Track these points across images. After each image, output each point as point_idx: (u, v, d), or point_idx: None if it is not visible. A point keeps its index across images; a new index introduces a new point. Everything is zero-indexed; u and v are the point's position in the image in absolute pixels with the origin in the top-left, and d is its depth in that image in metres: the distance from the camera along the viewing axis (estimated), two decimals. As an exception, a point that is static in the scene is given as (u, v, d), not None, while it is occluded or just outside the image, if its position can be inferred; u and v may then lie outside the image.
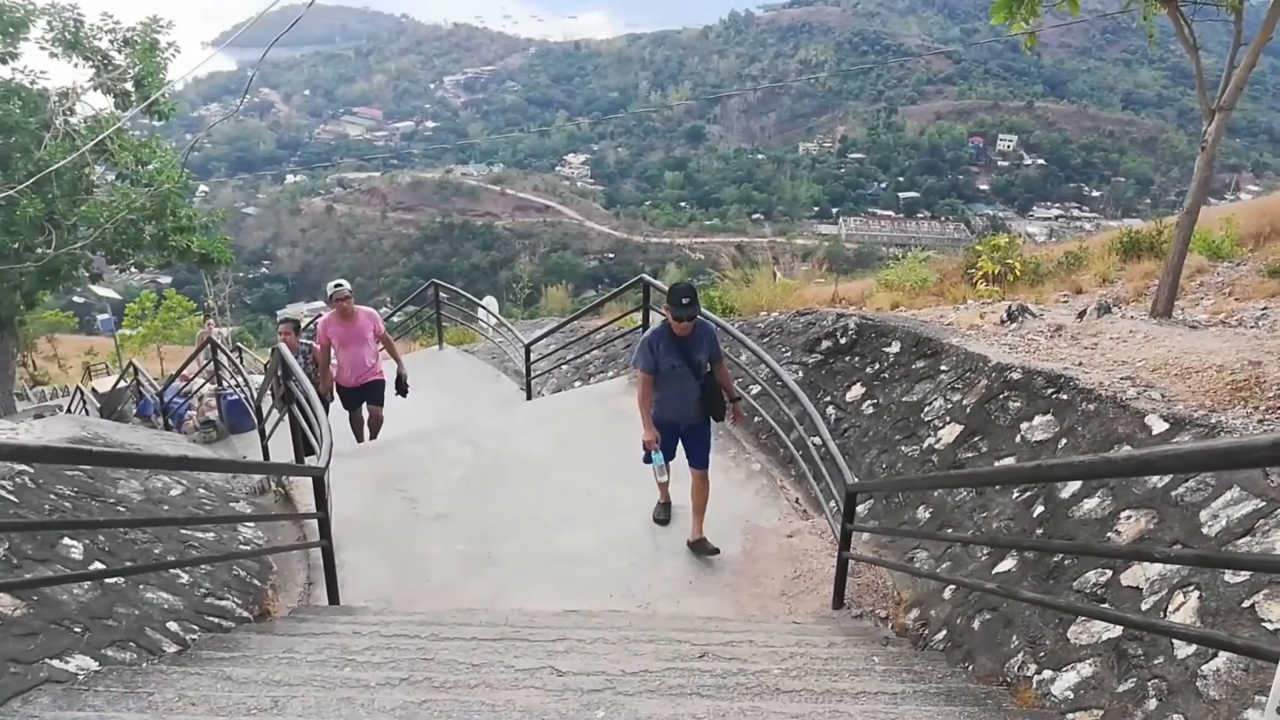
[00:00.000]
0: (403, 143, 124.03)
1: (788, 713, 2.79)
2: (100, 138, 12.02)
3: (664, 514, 6.06)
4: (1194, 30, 6.37)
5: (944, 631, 4.27)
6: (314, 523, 5.02)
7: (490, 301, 16.04)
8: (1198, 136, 6.45)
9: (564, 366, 11.30)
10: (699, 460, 5.61)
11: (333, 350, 7.84)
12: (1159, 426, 4.23)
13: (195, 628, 4.06)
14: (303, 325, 9.08)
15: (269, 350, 11.76)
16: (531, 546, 5.75)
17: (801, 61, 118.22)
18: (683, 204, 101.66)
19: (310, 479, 4.77)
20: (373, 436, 8.20)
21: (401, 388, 8.04)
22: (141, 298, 31.14)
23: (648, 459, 5.57)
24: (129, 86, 12.91)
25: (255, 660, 3.33)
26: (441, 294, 13.14)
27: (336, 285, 7.72)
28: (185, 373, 12.46)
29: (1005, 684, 3.48)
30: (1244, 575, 2.94)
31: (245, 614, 4.55)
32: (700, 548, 5.64)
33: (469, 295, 14.92)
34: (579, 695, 2.94)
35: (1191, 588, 3.12)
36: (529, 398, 10.07)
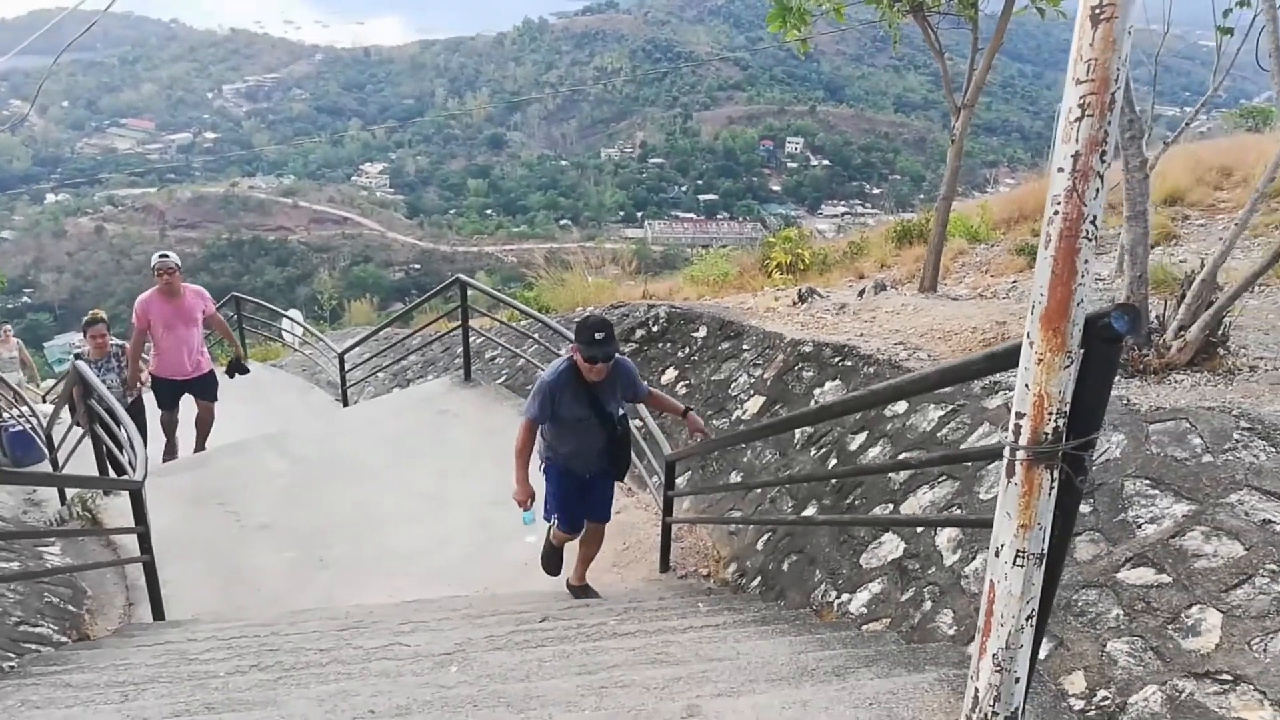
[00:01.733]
0: (180, 155, 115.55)
1: (624, 648, 3.08)
2: None
3: (553, 561, 5.06)
4: (939, 37, 7.23)
5: (759, 578, 4.73)
6: (130, 541, 4.85)
7: (295, 314, 15.50)
8: (963, 136, 7.32)
9: (380, 374, 11.16)
10: (599, 514, 4.86)
11: (151, 335, 6.97)
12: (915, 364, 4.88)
13: (11, 655, 3.86)
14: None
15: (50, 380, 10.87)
16: (363, 547, 5.77)
17: (598, 68, 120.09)
18: (489, 211, 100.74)
19: (127, 493, 4.61)
20: (200, 441, 7.59)
21: (239, 368, 7.68)
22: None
23: (563, 522, 4.76)
24: None
25: (91, 669, 3.26)
26: (243, 309, 12.62)
27: (162, 255, 6.98)
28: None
29: (812, 611, 3.95)
30: (991, 485, 3.52)
31: (64, 639, 4.35)
32: (583, 593, 4.93)
33: (273, 308, 14.37)
34: (431, 659, 3.11)
35: (955, 509, 3.69)
36: (345, 405, 9.90)
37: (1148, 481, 3.02)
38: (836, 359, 5.68)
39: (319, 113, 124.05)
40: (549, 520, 4.75)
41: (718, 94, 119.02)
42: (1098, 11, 1.53)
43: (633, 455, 5.45)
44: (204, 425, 7.54)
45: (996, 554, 1.84)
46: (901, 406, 4.66)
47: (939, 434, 4.24)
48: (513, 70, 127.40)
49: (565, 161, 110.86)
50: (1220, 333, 3.92)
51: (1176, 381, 3.80)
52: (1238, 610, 2.41)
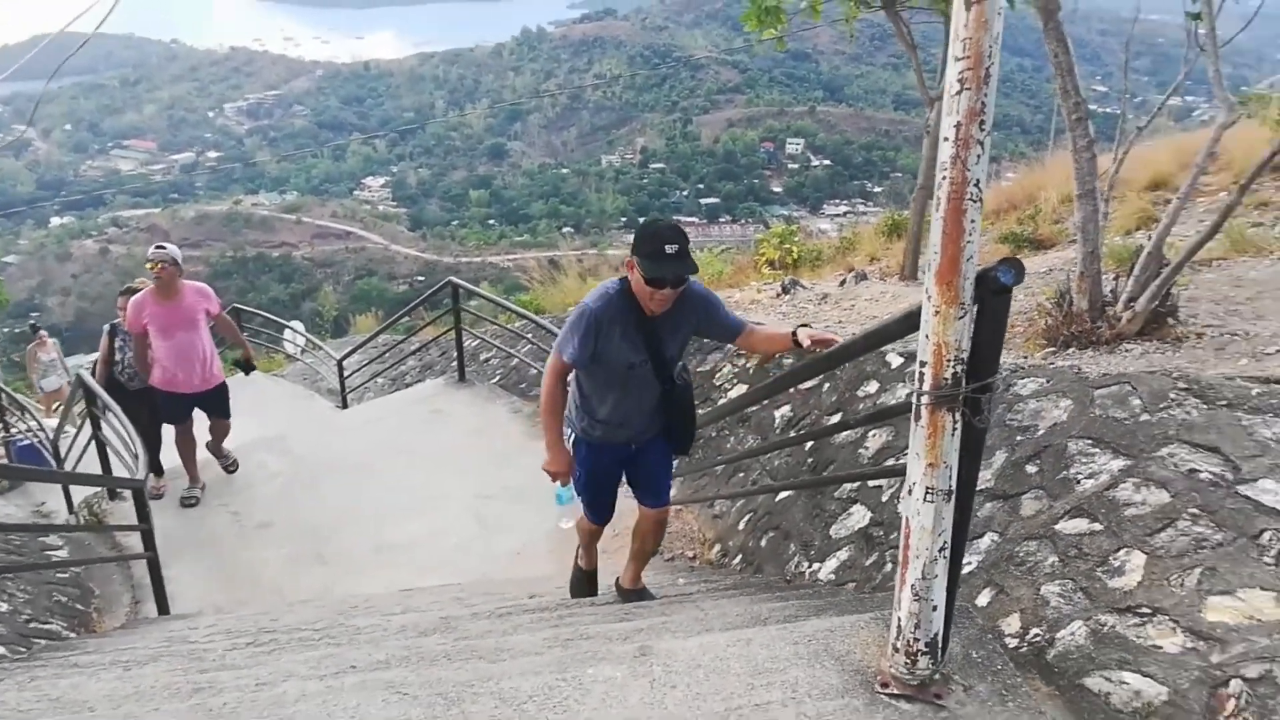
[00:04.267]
0: (183, 175, 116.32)
1: (599, 615, 3.26)
2: None
3: (584, 588, 4.13)
4: (911, 31, 7.42)
5: (739, 556, 4.90)
6: (136, 541, 5.05)
7: (297, 324, 15.74)
8: (939, 127, 7.52)
9: (378, 379, 11.37)
10: (654, 492, 3.71)
11: (151, 337, 5.97)
12: (896, 361, 5.04)
13: (22, 650, 4.06)
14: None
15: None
16: (360, 541, 5.95)
17: (596, 75, 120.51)
18: (491, 222, 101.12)
19: (131, 493, 4.81)
20: (217, 449, 6.84)
21: (247, 367, 6.91)
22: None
23: (588, 508, 3.82)
24: None
25: (96, 652, 3.45)
26: (245, 321, 12.85)
27: (157, 246, 5.85)
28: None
29: (785, 581, 4.13)
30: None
31: (72, 634, 4.55)
32: (635, 596, 3.85)
33: (276, 318, 14.62)
34: (416, 630, 3.29)
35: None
36: (345, 408, 10.11)
37: (1089, 441, 3.18)
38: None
39: (320, 128, 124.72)
40: (558, 504, 3.69)
41: (717, 97, 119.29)
42: (968, -6, 1.71)
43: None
44: (218, 442, 6.80)
45: (910, 492, 2.02)
46: (873, 386, 4.84)
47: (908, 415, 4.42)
48: (512, 80, 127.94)
49: (566, 169, 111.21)
50: (1169, 303, 4.09)
51: (1126, 351, 3.98)
52: (1160, 551, 2.57)
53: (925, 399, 1.93)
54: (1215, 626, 2.23)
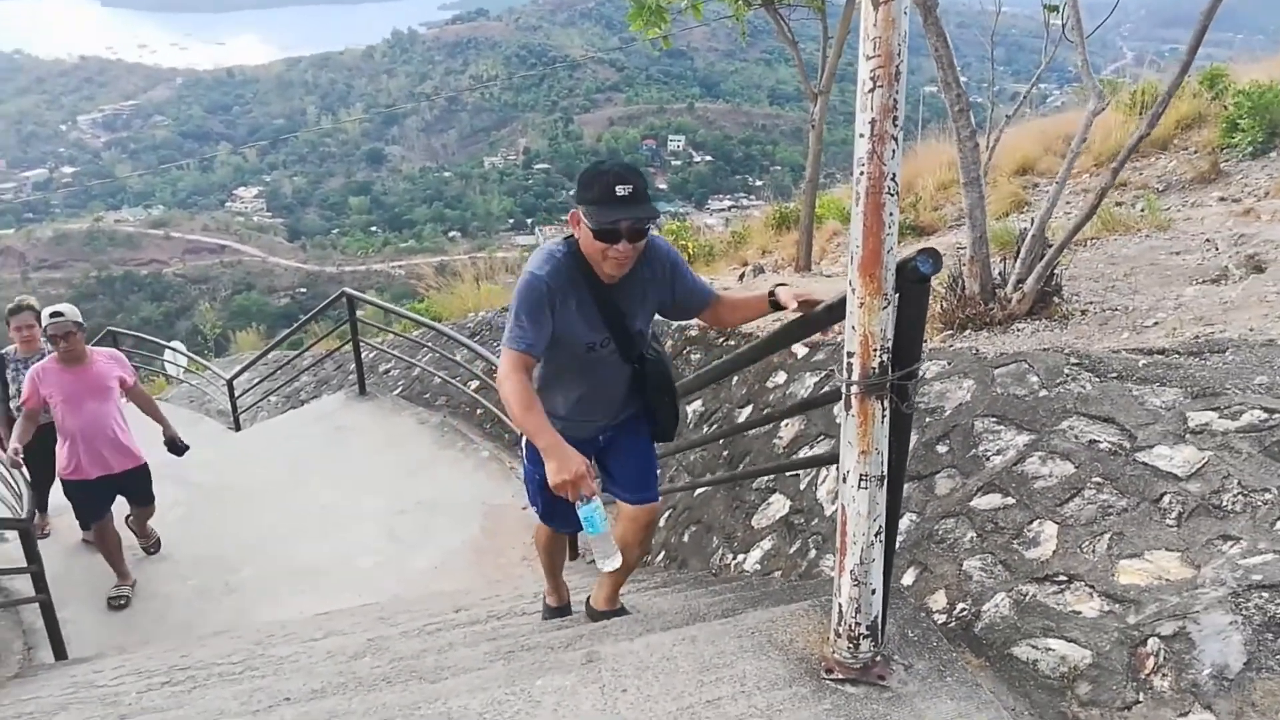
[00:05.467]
0: (37, 193, 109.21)
1: (535, 624, 3.23)
2: None
3: (557, 614, 3.49)
4: (791, 28, 7.60)
5: (663, 552, 4.94)
6: (24, 584, 4.71)
7: (178, 345, 15.00)
8: (822, 121, 7.70)
9: (272, 398, 10.96)
10: (636, 484, 2.97)
11: (54, 413, 5.07)
12: (801, 351, 5.16)
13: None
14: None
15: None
16: (269, 567, 5.73)
17: (473, 77, 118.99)
18: (374, 229, 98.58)
19: (17, 534, 4.49)
20: (141, 528, 5.92)
21: (177, 448, 5.74)
22: None
23: (548, 514, 3.10)
24: None
25: (-9, 709, 3.21)
26: (120, 344, 12.15)
27: (53, 316, 4.96)
28: None
29: (711, 574, 4.18)
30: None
31: (-45, 692, 4.22)
32: (609, 615, 3.16)
33: (154, 340, 13.89)
34: (345, 655, 3.19)
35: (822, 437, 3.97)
36: (238, 430, 9.69)
37: (994, 419, 3.33)
38: (720, 340, 5.94)
39: (184, 138, 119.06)
40: (587, 529, 2.45)
41: (596, 96, 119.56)
42: (878, -4, 1.77)
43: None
44: (141, 523, 5.87)
45: (844, 480, 2.07)
46: (781, 377, 4.95)
47: (815, 398, 4.53)
48: (386, 83, 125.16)
49: (449, 172, 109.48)
50: (1053, 283, 4.32)
51: (1019, 330, 4.18)
52: (1070, 520, 2.72)
53: (855, 388, 1.98)
54: (1129, 589, 2.37)
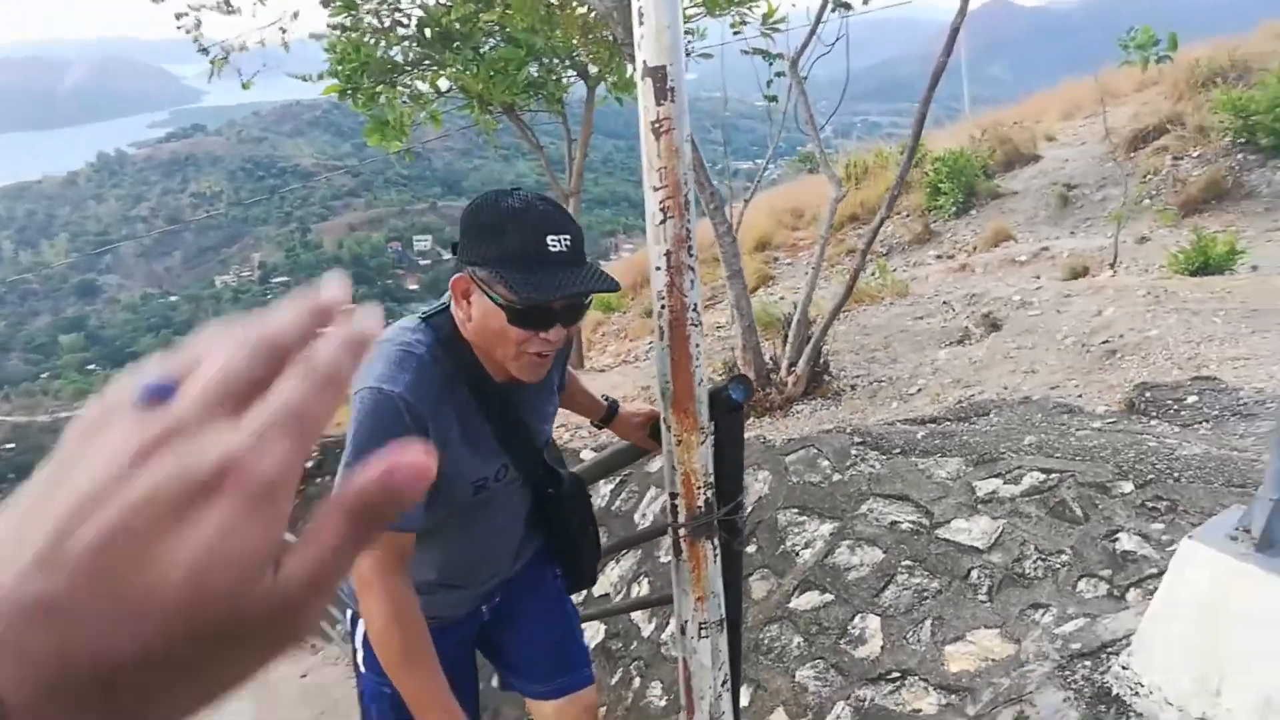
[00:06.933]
0: None
1: None
2: None
3: None
4: (534, 133, 7.68)
5: (473, 700, 4.53)
6: None
7: None
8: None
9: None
10: (558, 665, 2.11)
11: None
12: (588, 456, 5.05)
13: None
14: None
15: None
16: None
17: (194, 195, 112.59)
18: (92, 367, 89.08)
19: None
20: None
21: None
22: None
23: None
24: None
25: None
26: None
27: None
28: None
29: (528, 716, 3.85)
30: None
31: None
32: None
33: None
34: None
35: (643, 577, 3.82)
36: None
37: (795, 509, 3.33)
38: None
39: None
40: None
41: (333, 203, 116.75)
42: (656, 125, 1.68)
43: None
44: None
45: (683, 631, 1.91)
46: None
47: (613, 506, 4.39)
48: (94, 209, 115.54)
49: (175, 296, 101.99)
50: (822, 361, 4.50)
51: (798, 412, 4.29)
52: (890, 610, 2.72)
53: (683, 531, 1.84)
54: (960, 676, 2.37)
